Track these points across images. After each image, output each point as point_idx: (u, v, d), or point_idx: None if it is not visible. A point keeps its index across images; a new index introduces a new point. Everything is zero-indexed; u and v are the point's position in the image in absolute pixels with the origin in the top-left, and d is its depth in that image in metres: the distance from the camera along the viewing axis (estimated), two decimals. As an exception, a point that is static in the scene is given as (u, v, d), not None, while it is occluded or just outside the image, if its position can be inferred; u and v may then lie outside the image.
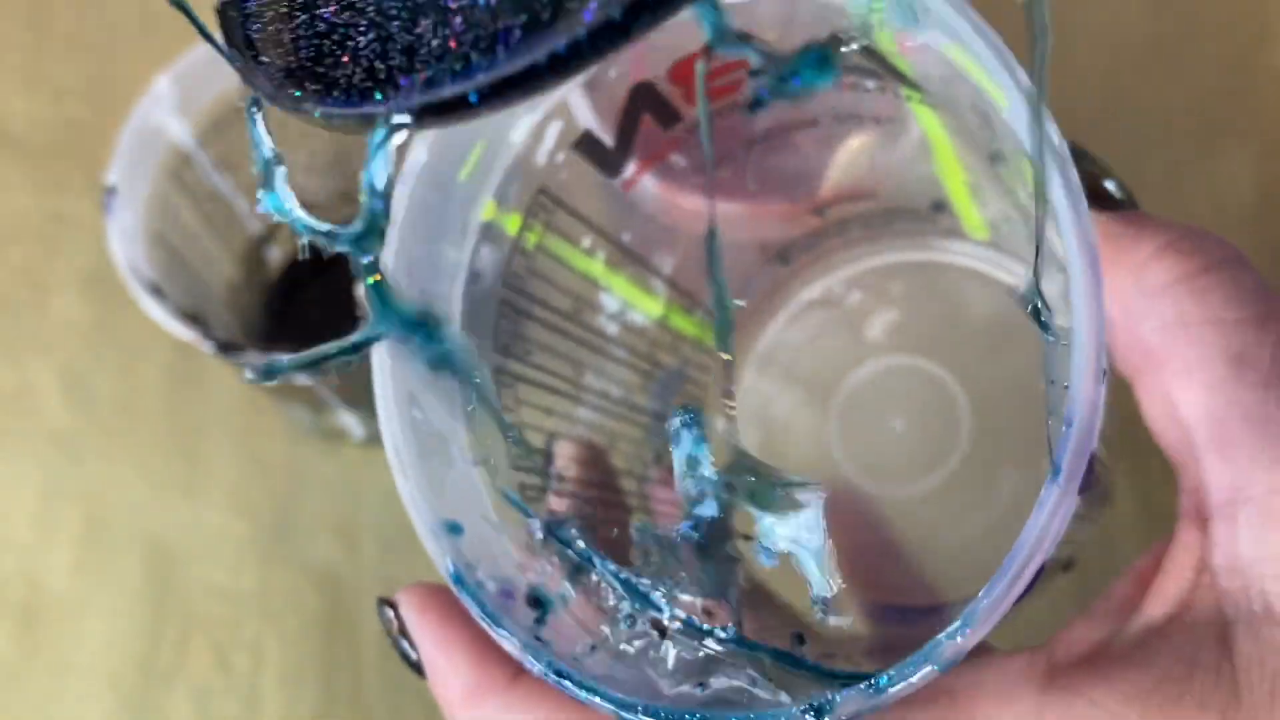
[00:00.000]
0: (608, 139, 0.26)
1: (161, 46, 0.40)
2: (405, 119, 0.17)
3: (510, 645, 0.22)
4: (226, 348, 0.36)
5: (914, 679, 0.19)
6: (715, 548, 0.22)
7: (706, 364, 0.31)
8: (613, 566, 0.23)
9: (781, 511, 0.21)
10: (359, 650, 0.41)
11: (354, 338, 0.20)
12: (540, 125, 0.25)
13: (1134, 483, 0.38)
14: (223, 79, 0.39)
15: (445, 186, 0.24)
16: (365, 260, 0.19)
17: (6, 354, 0.46)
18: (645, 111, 0.26)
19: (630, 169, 0.27)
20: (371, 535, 0.43)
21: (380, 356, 0.23)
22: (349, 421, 0.42)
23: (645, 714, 0.21)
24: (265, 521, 0.43)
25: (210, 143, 0.40)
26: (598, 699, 0.21)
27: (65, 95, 0.49)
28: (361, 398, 0.41)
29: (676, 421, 0.22)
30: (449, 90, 0.16)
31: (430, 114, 0.17)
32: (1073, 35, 0.45)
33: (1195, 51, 0.46)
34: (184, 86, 0.39)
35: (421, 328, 0.20)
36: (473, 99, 0.16)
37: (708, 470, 0.22)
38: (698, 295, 0.30)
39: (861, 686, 0.20)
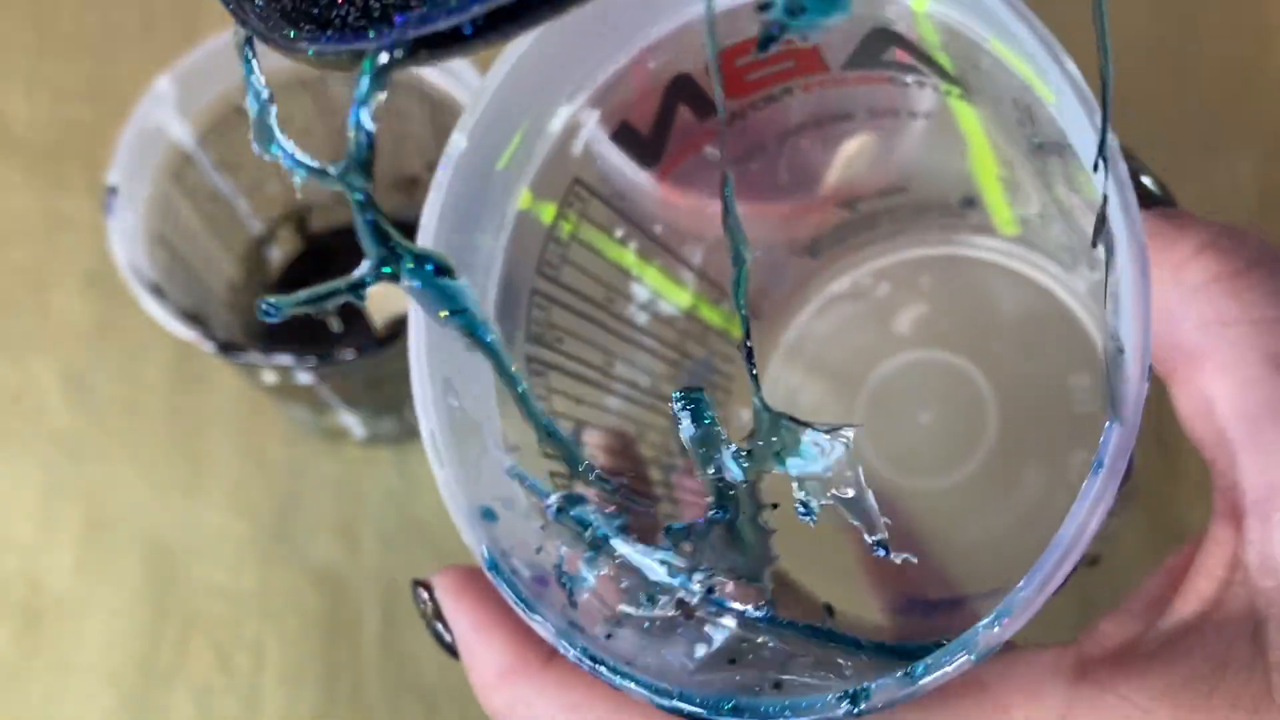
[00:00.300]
0: (644, 130, 0.26)
1: (162, 47, 0.40)
2: (399, 53, 0.17)
3: (545, 631, 0.22)
4: (227, 348, 0.36)
5: (949, 668, 0.19)
6: (746, 525, 0.22)
7: (733, 355, 0.31)
8: (632, 544, 0.23)
9: (813, 460, 0.21)
10: (359, 650, 0.41)
11: (353, 275, 0.20)
12: (578, 115, 0.25)
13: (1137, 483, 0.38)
14: (223, 79, 0.40)
15: (484, 175, 0.24)
16: (358, 197, 0.19)
17: (7, 354, 0.46)
18: (682, 103, 0.26)
19: (665, 160, 0.27)
20: (371, 535, 0.43)
21: (417, 345, 0.23)
22: (349, 421, 0.42)
23: (680, 700, 0.21)
24: (265, 521, 0.43)
25: (211, 143, 0.40)
26: (632, 685, 0.21)
27: (66, 95, 0.49)
28: (362, 398, 0.41)
29: (678, 406, 0.21)
30: (444, 23, 0.16)
31: (424, 47, 0.16)
32: (1073, 37, 0.45)
33: (1197, 54, 0.46)
34: (185, 87, 0.39)
35: (423, 270, 0.20)
36: (467, 31, 0.16)
37: (724, 444, 0.21)
38: (726, 286, 0.30)
39: (897, 675, 0.20)
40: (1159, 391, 0.22)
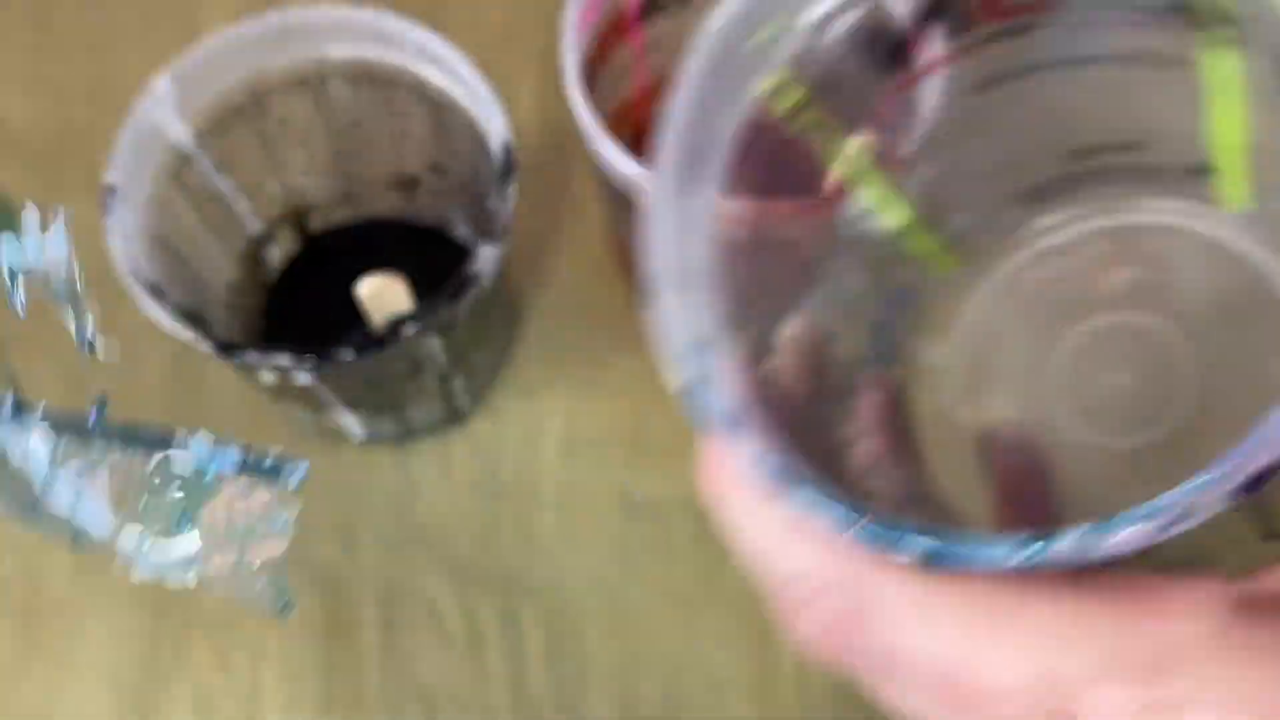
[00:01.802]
0: (896, 40, 0.27)
1: (161, 46, 0.40)
2: None
3: (750, 445, 0.22)
4: (225, 348, 0.36)
5: (1147, 525, 0.19)
6: None
7: (932, 289, 0.32)
8: None
9: None
10: (359, 650, 0.41)
11: None
12: (832, 15, 0.26)
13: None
14: (222, 79, 0.39)
15: (728, 63, 0.26)
16: None
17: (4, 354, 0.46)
18: (938, 18, 0.27)
19: (914, 71, 0.28)
20: (371, 535, 0.43)
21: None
22: (349, 421, 0.42)
23: (872, 524, 0.21)
24: (265, 521, 0.43)
25: (210, 143, 0.40)
26: (821, 509, 0.21)
27: (65, 95, 0.49)
28: (361, 398, 0.41)
29: None
30: None
31: None
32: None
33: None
34: (184, 87, 0.39)
35: None
36: None
37: None
38: (949, 211, 0.30)
39: (1086, 528, 0.19)
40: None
